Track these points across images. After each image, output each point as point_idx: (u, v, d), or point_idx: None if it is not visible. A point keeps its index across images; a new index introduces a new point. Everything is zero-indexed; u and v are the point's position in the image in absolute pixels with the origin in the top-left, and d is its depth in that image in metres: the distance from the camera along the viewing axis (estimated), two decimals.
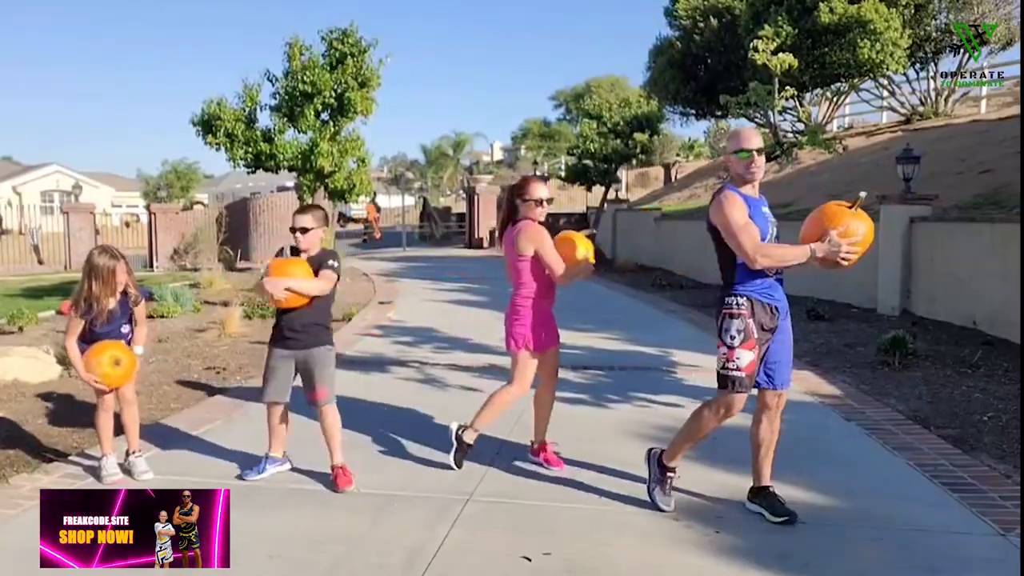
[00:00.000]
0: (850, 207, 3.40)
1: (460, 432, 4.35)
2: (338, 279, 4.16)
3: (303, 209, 4.23)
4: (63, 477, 4.28)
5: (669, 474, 3.82)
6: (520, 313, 4.21)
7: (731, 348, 3.50)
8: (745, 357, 3.48)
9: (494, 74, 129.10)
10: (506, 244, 4.28)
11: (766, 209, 3.58)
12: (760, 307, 3.50)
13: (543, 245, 4.11)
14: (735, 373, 3.51)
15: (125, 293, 4.26)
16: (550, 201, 4.26)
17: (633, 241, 19.44)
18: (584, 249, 4.21)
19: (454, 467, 4.30)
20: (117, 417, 4.37)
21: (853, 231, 3.33)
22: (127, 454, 4.32)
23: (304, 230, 4.08)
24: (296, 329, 4.10)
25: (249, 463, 4.37)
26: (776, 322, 3.55)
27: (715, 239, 3.58)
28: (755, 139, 3.54)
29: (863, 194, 3.43)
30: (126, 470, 4.25)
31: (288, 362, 4.15)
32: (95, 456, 4.43)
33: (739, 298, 3.50)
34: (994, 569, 3.21)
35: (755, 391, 3.65)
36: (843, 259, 3.32)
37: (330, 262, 4.08)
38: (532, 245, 4.11)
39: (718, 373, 3.59)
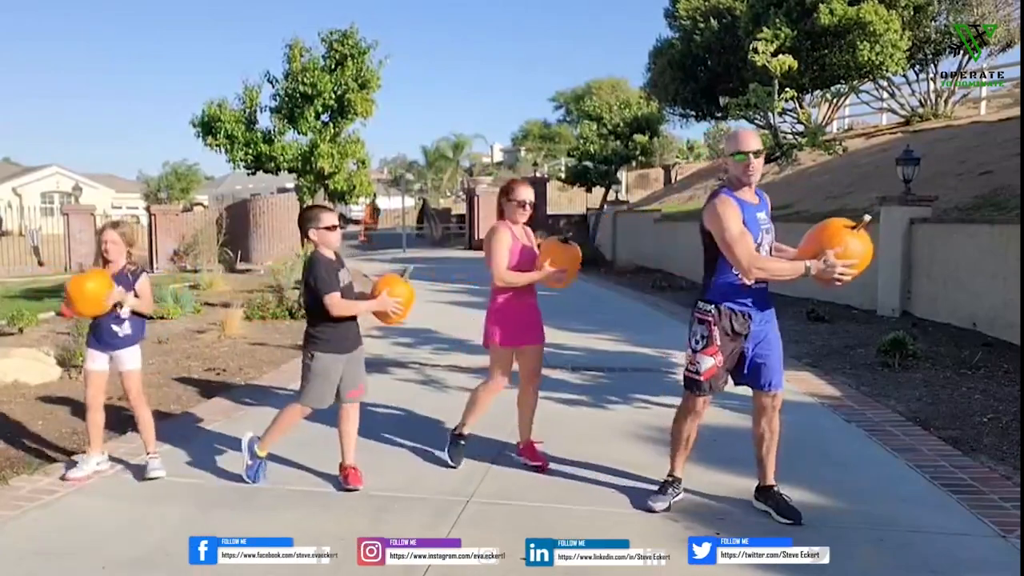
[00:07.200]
0: (853, 227, 3.37)
1: (454, 431, 4.49)
2: None
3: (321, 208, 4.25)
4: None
5: (668, 479, 3.86)
6: (490, 310, 4.34)
7: (693, 352, 3.60)
8: (704, 362, 3.55)
9: (494, 75, 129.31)
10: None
11: (761, 214, 3.54)
12: (729, 314, 3.52)
13: (491, 248, 4.22)
14: (694, 376, 3.60)
15: (126, 271, 4.27)
16: (533, 204, 4.30)
17: (633, 242, 19.45)
18: (557, 258, 4.18)
19: (450, 463, 4.38)
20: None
21: (852, 252, 3.31)
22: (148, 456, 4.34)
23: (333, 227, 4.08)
24: (353, 332, 4.13)
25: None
26: (748, 328, 3.54)
27: (704, 241, 3.59)
28: (753, 142, 3.50)
29: (867, 217, 3.39)
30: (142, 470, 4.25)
31: (341, 365, 4.08)
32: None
33: (708, 304, 3.55)
34: (994, 571, 3.21)
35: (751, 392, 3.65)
36: (837, 279, 3.32)
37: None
38: (487, 246, 4.25)
39: (683, 374, 3.68)
